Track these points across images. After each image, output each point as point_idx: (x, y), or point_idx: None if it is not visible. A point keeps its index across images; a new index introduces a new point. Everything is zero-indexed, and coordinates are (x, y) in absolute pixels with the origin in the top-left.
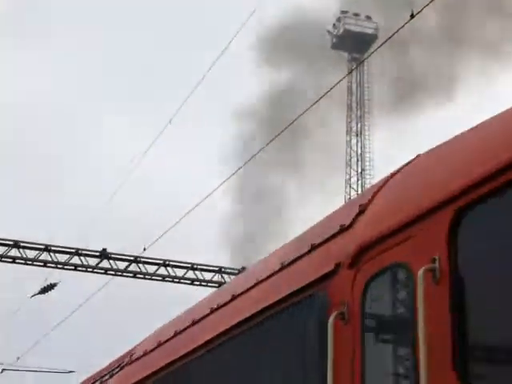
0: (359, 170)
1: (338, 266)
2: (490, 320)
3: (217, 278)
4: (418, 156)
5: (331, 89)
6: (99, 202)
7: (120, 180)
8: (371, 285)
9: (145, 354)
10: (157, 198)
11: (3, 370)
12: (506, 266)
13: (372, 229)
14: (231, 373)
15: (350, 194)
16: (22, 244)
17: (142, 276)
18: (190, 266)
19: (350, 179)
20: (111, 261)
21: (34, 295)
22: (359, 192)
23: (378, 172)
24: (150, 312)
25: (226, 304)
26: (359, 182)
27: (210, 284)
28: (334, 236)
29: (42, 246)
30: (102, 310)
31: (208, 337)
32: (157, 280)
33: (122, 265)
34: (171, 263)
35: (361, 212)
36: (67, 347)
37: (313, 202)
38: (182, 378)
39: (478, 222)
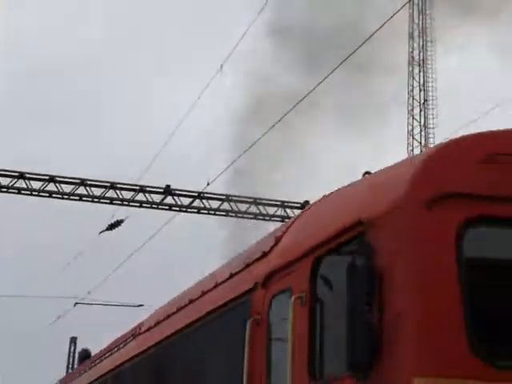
0: (422, 101)
1: (256, 284)
2: (335, 330)
3: (280, 212)
4: (324, 196)
5: (393, 15)
6: (161, 139)
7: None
8: (273, 301)
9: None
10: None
11: (76, 303)
12: (339, 298)
13: (278, 258)
14: (182, 360)
15: (412, 146)
16: (88, 182)
17: (205, 211)
18: (252, 200)
19: (412, 130)
20: (175, 197)
21: (102, 232)
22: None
23: (442, 102)
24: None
25: (183, 307)
26: (422, 112)
27: (273, 218)
28: (257, 260)
29: (108, 184)
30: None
31: (168, 332)
32: (220, 215)
33: (185, 201)
34: (234, 198)
35: (276, 243)
36: (136, 282)
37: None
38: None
39: (326, 269)
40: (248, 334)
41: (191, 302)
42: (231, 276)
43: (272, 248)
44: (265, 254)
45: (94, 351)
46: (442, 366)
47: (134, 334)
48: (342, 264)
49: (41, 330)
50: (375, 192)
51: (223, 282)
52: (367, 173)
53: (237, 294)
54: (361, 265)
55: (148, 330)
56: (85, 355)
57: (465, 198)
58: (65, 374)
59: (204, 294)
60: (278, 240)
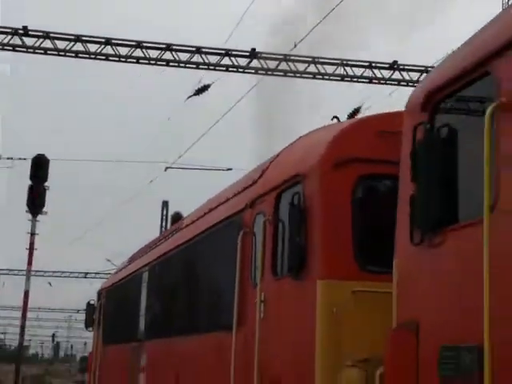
0: None
1: (246, 205)
2: (286, 242)
3: (367, 73)
4: (290, 144)
5: None
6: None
7: None
8: (256, 218)
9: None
10: None
11: (166, 168)
12: (287, 222)
13: (260, 188)
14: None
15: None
16: (174, 47)
17: (292, 74)
18: (339, 62)
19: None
20: (261, 60)
21: (190, 97)
22: None
23: None
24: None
25: (192, 223)
26: None
27: (360, 80)
28: (249, 186)
29: (193, 49)
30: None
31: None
32: (307, 78)
33: (271, 64)
34: (321, 60)
35: (261, 175)
36: (224, 146)
37: None
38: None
39: (283, 201)
40: (240, 242)
41: (205, 214)
42: (232, 197)
43: (258, 179)
44: (254, 183)
45: (185, 214)
46: (336, 271)
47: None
48: (290, 200)
49: (134, 195)
50: (308, 151)
51: (225, 201)
52: (335, 117)
53: (234, 211)
54: (296, 202)
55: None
56: (177, 218)
57: (360, 162)
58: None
59: (213, 209)
60: (262, 173)
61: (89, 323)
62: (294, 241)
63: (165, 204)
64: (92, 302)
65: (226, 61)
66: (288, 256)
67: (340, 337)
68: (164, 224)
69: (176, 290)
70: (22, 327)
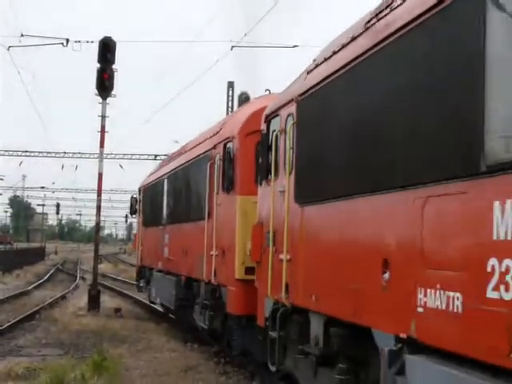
0: None
1: (213, 146)
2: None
3: None
4: (234, 111)
5: None
6: None
7: None
8: (216, 156)
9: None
10: None
11: (232, 47)
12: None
13: (218, 138)
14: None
15: None
16: None
17: None
18: None
19: None
20: None
21: None
22: None
23: None
24: None
25: (186, 151)
26: None
27: None
28: (214, 135)
29: None
30: None
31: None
32: None
33: None
34: None
35: (220, 128)
36: (290, 23)
37: None
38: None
39: (227, 150)
40: (208, 167)
41: (191, 148)
42: (201, 142)
43: (218, 131)
44: (216, 133)
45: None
46: (246, 191)
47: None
48: (225, 152)
49: (201, 75)
50: (238, 121)
51: (199, 143)
52: (267, 90)
53: (205, 150)
54: (230, 152)
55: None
56: (244, 98)
57: (258, 132)
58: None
59: (196, 145)
60: (221, 127)
61: (133, 211)
62: (227, 173)
63: (230, 84)
64: (134, 196)
65: None
66: (225, 181)
67: (247, 225)
68: (230, 104)
69: (180, 195)
70: (99, 207)
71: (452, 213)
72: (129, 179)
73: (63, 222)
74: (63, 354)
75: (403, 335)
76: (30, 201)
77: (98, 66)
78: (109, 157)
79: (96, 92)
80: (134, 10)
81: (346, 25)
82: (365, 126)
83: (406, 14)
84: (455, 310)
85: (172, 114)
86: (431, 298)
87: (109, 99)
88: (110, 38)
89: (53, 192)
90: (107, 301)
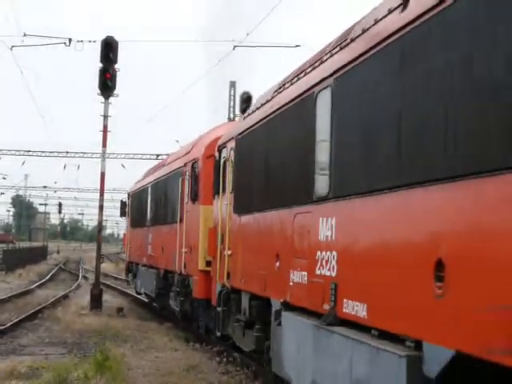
0: None
1: (183, 165)
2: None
3: None
4: (200, 136)
5: None
6: None
7: None
8: (187, 172)
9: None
10: None
11: (235, 46)
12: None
13: (187, 157)
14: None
15: None
16: None
17: None
18: None
19: None
20: None
21: None
22: None
23: None
24: None
25: (165, 165)
26: None
27: None
28: (185, 154)
29: None
30: None
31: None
32: None
33: None
34: None
35: (190, 150)
36: (294, 22)
37: None
38: None
39: (193, 169)
40: (180, 181)
41: (168, 163)
42: (176, 159)
43: (189, 152)
44: (187, 153)
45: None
46: (206, 201)
47: None
48: (193, 170)
49: (202, 75)
50: (202, 146)
51: (175, 160)
52: (229, 119)
53: (179, 166)
54: (195, 170)
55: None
56: (246, 98)
57: (213, 156)
58: (227, 117)
59: (172, 162)
60: (191, 149)
61: (122, 213)
62: (193, 187)
63: (232, 84)
64: (124, 200)
65: None
66: (192, 193)
67: (208, 228)
68: (232, 104)
69: (160, 201)
70: (101, 206)
71: (305, 223)
72: (131, 179)
73: (65, 221)
74: (66, 353)
75: (283, 300)
76: (33, 200)
77: (101, 65)
78: (111, 156)
79: (98, 91)
80: (135, 9)
81: (348, 23)
82: (270, 163)
83: (287, 97)
84: (304, 282)
85: (173, 114)
86: (296, 276)
87: (111, 99)
88: (112, 37)
89: (55, 191)
90: (109, 300)
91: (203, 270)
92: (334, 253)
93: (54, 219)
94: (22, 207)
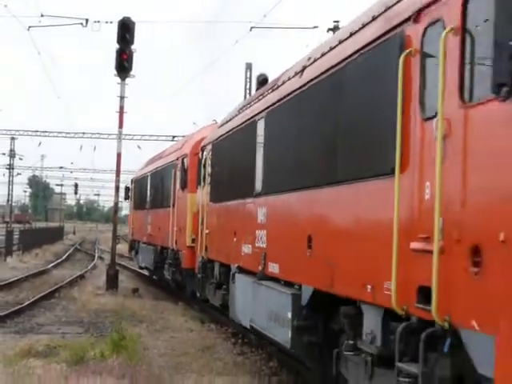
0: None
1: (176, 159)
2: None
3: None
4: (191, 134)
5: None
6: None
7: None
8: (178, 165)
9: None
10: None
11: (251, 28)
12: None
13: (179, 152)
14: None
15: None
16: None
17: None
18: None
19: None
20: None
21: None
22: None
23: None
24: None
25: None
26: None
27: None
28: (177, 150)
29: None
30: None
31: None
32: None
33: None
34: None
35: (182, 146)
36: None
37: None
38: None
39: (183, 163)
40: (173, 172)
41: (158, 159)
42: (171, 153)
43: (180, 148)
44: (179, 149)
45: (270, 77)
46: (193, 190)
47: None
48: (182, 164)
49: (220, 56)
50: (191, 144)
51: (168, 155)
52: (214, 120)
53: (172, 160)
54: (183, 165)
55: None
56: (263, 80)
57: (197, 154)
58: (243, 98)
59: (163, 157)
60: (182, 145)
61: (126, 197)
62: (183, 178)
63: (248, 66)
64: (128, 185)
65: None
66: (182, 183)
67: (193, 212)
68: (248, 86)
69: (157, 188)
70: (117, 187)
71: (250, 210)
72: (147, 160)
73: (81, 202)
74: (82, 332)
75: (237, 265)
76: (49, 181)
77: (117, 46)
78: (127, 137)
79: (115, 73)
80: None
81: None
82: (232, 166)
83: (241, 119)
84: (249, 252)
85: (191, 96)
86: (245, 248)
87: (127, 80)
88: (128, 18)
89: (71, 172)
90: (125, 280)
91: (190, 245)
92: (265, 231)
93: (70, 200)
94: (39, 188)
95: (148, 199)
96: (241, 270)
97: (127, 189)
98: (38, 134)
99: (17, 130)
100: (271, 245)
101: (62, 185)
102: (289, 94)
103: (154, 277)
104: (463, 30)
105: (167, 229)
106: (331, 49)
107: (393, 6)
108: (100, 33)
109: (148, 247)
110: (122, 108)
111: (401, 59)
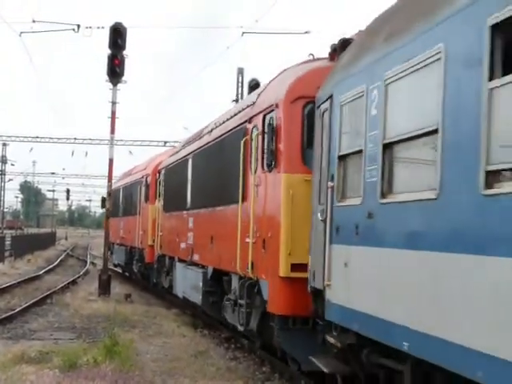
0: None
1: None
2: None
3: None
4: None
5: None
6: None
7: None
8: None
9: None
10: None
11: (243, 33)
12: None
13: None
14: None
15: None
16: None
17: None
18: None
19: None
20: None
21: None
22: None
23: None
24: None
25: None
26: None
27: None
28: (248, 106)
29: None
30: None
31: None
32: None
33: None
34: None
35: (256, 100)
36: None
37: None
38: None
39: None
40: (139, 188)
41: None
42: (138, 172)
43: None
44: (144, 169)
45: (261, 81)
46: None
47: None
48: (146, 181)
49: (212, 62)
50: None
51: (137, 172)
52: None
53: (138, 178)
54: (146, 182)
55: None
56: (254, 84)
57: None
58: (234, 103)
59: (134, 173)
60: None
61: (103, 206)
62: (146, 193)
63: (240, 71)
64: (105, 197)
65: None
66: (146, 197)
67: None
68: (240, 91)
69: (128, 200)
70: (109, 193)
71: (185, 219)
72: (122, 174)
73: (73, 207)
74: (75, 338)
75: (177, 257)
76: (41, 186)
77: (109, 51)
78: (119, 143)
79: (107, 78)
80: None
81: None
82: (174, 187)
83: (178, 156)
84: (184, 247)
85: (182, 101)
86: (182, 244)
87: (119, 85)
88: (120, 23)
89: (63, 178)
90: (117, 286)
91: (151, 244)
92: (192, 233)
93: (62, 206)
94: (30, 193)
95: (121, 208)
96: (179, 259)
97: (104, 199)
98: (29, 139)
99: (8, 136)
100: (195, 242)
101: (53, 190)
102: (203, 146)
103: (126, 273)
104: (263, 132)
105: (135, 232)
106: (221, 124)
107: (243, 110)
108: (92, 38)
109: (120, 248)
110: (113, 113)
111: (242, 141)
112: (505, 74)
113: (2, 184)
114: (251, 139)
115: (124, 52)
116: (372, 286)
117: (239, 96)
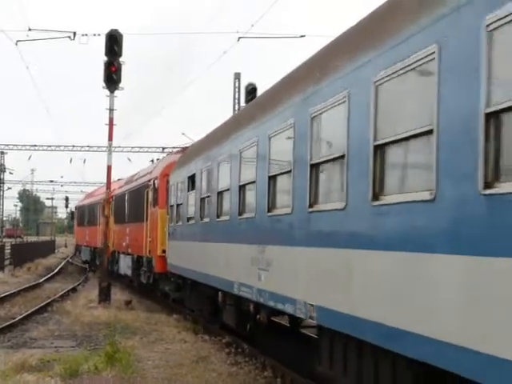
0: None
1: (148, 181)
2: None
3: None
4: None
5: None
6: None
7: None
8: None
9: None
10: None
11: (239, 38)
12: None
13: (151, 176)
14: None
15: None
16: None
17: None
18: None
19: None
20: None
21: None
22: None
23: None
24: None
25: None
26: None
27: None
28: (149, 173)
29: None
30: None
31: None
32: None
33: None
34: None
35: (152, 170)
36: (299, 12)
37: None
38: None
39: (155, 184)
40: (145, 192)
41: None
42: (144, 175)
43: (152, 171)
44: (150, 172)
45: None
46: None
47: None
48: (155, 183)
49: (208, 67)
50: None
51: (143, 176)
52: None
53: (145, 181)
54: (154, 186)
55: None
56: (251, 89)
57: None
58: (232, 109)
59: (140, 177)
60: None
61: (72, 219)
62: (154, 198)
63: (237, 76)
64: (73, 211)
65: None
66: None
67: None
68: (237, 96)
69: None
70: (108, 200)
71: (132, 227)
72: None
73: None
74: (76, 345)
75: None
76: (40, 194)
77: (105, 58)
78: (117, 150)
79: (104, 85)
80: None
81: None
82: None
83: (135, 184)
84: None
85: (180, 107)
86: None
87: (116, 92)
88: (116, 30)
89: (61, 185)
90: (117, 293)
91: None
92: (128, 236)
93: (61, 213)
94: (29, 202)
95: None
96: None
97: (72, 213)
98: (28, 147)
99: (6, 145)
100: (129, 241)
101: (52, 198)
102: (131, 187)
103: (92, 268)
104: (153, 188)
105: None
106: (138, 179)
107: (148, 174)
108: (88, 45)
109: (86, 248)
110: (111, 120)
111: (145, 191)
112: None
113: (0, 193)
114: (149, 191)
115: (120, 59)
116: (183, 256)
117: (236, 101)
